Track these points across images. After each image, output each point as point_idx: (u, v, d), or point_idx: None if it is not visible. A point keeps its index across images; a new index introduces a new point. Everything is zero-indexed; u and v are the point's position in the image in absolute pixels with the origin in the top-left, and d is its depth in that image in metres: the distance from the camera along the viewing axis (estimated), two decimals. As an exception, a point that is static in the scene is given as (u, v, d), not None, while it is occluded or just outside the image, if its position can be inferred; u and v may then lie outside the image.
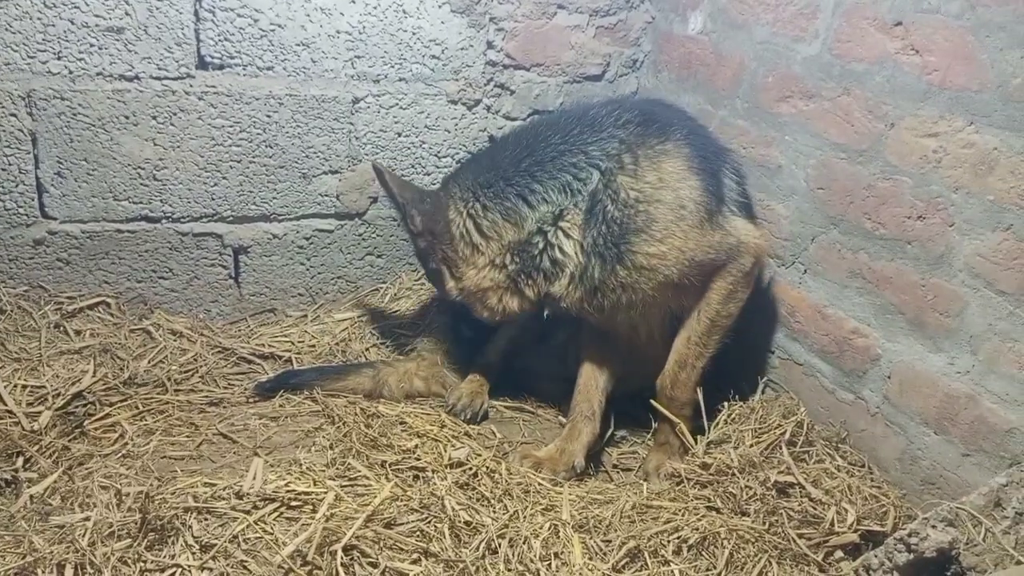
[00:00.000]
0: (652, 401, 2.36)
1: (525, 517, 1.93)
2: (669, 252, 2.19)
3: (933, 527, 1.71)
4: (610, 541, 1.88)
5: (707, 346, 2.30)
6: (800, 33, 2.38)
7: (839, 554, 1.92)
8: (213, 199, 2.71)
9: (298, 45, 2.64)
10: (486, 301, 2.40)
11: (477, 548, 1.78)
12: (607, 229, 2.20)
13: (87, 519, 1.74)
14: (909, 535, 1.72)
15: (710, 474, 2.13)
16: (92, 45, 2.44)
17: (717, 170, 2.30)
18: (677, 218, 2.19)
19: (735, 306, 2.29)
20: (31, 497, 1.90)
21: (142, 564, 1.65)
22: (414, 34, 2.76)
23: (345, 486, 1.93)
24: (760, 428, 2.27)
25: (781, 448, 2.18)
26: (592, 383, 2.42)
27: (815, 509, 1.98)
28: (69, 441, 2.14)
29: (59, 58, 2.42)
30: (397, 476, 2.04)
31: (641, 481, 2.26)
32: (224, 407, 2.42)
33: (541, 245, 2.28)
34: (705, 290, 2.27)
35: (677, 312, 2.34)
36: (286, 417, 2.38)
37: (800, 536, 1.92)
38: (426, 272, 2.65)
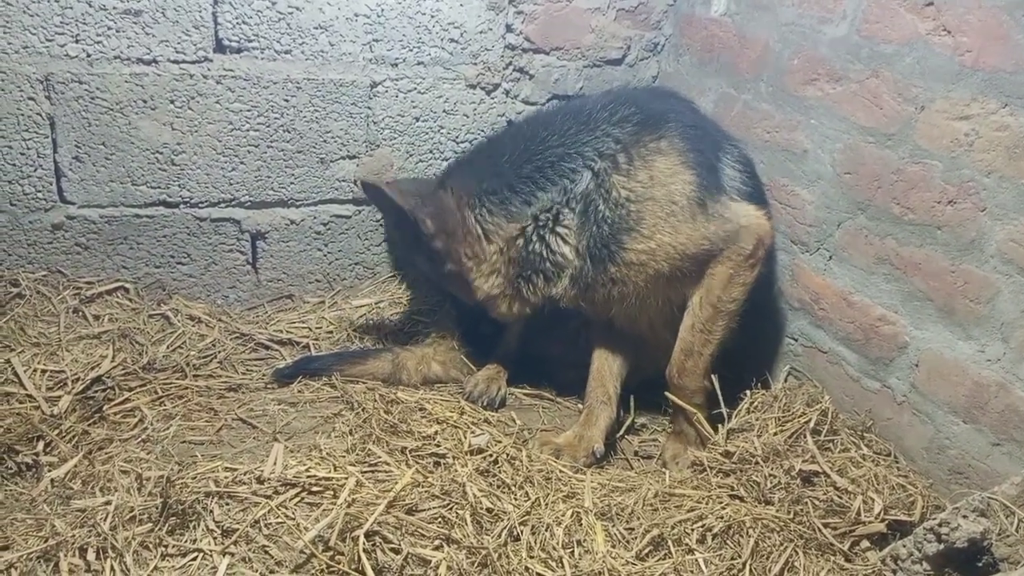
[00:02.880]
0: (668, 393, 2.33)
1: (547, 504, 1.91)
2: (658, 248, 2.20)
3: (964, 517, 1.68)
4: (633, 529, 1.86)
5: (712, 332, 2.27)
6: (827, 14, 2.33)
7: (865, 544, 1.89)
8: (231, 184, 2.70)
9: (316, 28, 2.61)
10: (498, 305, 2.43)
11: (499, 535, 1.76)
12: (598, 230, 2.23)
13: (108, 503, 1.74)
14: (940, 525, 1.69)
15: (733, 462, 2.10)
16: (110, 28, 2.42)
17: (715, 161, 2.28)
18: (667, 214, 2.19)
19: (739, 291, 2.25)
20: (52, 481, 1.90)
21: (163, 548, 1.65)
22: (432, 17, 2.73)
23: (366, 472, 1.92)
24: (784, 416, 2.24)
25: (805, 437, 2.15)
26: (606, 368, 2.41)
27: (841, 498, 1.95)
28: (89, 426, 2.14)
29: (77, 41, 2.40)
30: (418, 462, 2.02)
31: (663, 469, 2.24)
32: (243, 392, 2.41)
33: (539, 249, 2.31)
34: (704, 277, 2.25)
35: (678, 301, 2.32)
36: (305, 403, 2.37)
37: (826, 525, 1.90)
38: (442, 281, 2.58)
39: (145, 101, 2.52)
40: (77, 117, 2.48)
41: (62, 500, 1.82)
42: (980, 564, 1.66)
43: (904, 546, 1.76)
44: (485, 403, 2.46)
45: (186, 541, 1.66)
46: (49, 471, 1.93)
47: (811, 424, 2.19)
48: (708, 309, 2.25)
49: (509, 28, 2.85)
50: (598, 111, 2.31)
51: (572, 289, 2.32)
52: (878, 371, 2.26)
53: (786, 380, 2.50)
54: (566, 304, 2.37)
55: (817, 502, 1.95)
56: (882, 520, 1.90)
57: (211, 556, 1.63)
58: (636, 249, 2.20)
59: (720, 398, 2.27)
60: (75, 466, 1.94)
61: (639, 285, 2.25)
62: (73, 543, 1.62)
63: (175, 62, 2.51)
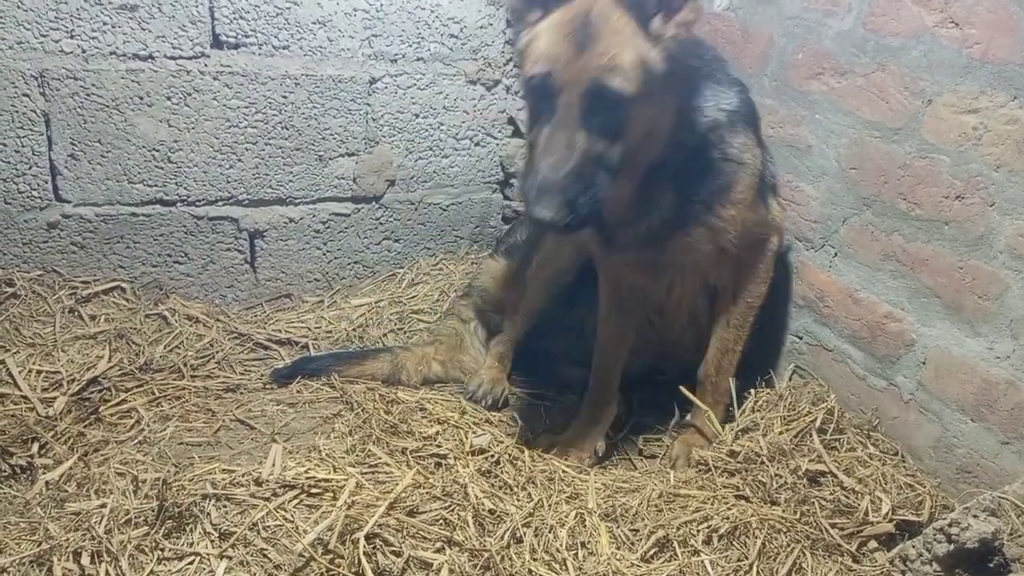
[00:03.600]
0: (683, 388, 2.29)
1: (550, 505, 1.88)
2: (736, 216, 2.11)
3: (975, 517, 1.65)
4: (638, 530, 1.83)
5: (744, 328, 2.26)
6: (832, 7, 2.30)
7: (873, 544, 1.86)
8: (228, 182, 2.67)
9: (314, 23, 2.58)
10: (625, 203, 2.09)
11: (502, 537, 1.73)
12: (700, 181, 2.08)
13: (103, 506, 1.71)
14: (950, 525, 1.66)
15: (738, 462, 2.07)
16: (105, 23, 2.39)
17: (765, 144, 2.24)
18: (748, 186, 2.12)
19: (766, 286, 2.25)
20: (47, 483, 1.87)
21: (160, 552, 1.62)
22: (432, 12, 2.70)
23: (366, 473, 1.89)
24: (789, 415, 2.21)
25: (811, 436, 2.12)
26: (609, 364, 2.36)
27: (848, 498, 1.92)
28: (84, 427, 2.12)
29: (72, 37, 2.38)
30: (419, 463, 1.99)
31: (667, 469, 2.20)
32: (241, 393, 2.38)
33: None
34: (744, 268, 2.22)
35: (708, 295, 2.29)
36: (304, 403, 2.35)
37: (833, 526, 1.87)
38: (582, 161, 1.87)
39: (141, 98, 2.49)
40: (72, 114, 2.45)
41: (56, 503, 1.79)
42: (991, 565, 1.63)
43: (913, 547, 1.73)
44: (489, 403, 2.43)
45: (183, 544, 1.63)
46: (44, 473, 1.90)
47: (817, 423, 2.16)
48: (744, 304, 2.24)
49: (510, 23, 2.82)
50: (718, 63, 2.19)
51: (663, 228, 2.10)
52: (884, 369, 2.23)
53: (791, 379, 2.46)
54: (646, 238, 2.12)
55: (824, 502, 1.92)
56: (890, 520, 1.87)
57: (208, 559, 1.60)
58: (720, 215, 2.10)
59: (734, 398, 2.25)
60: (70, 468, 1.92)
61: (705, 253, 2.14)
62: (67, 547, 1.59)
63: (172, 58, 2.48)
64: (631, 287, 2.31)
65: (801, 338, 2.51)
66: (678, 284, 2.30)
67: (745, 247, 2.19)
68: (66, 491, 1.83)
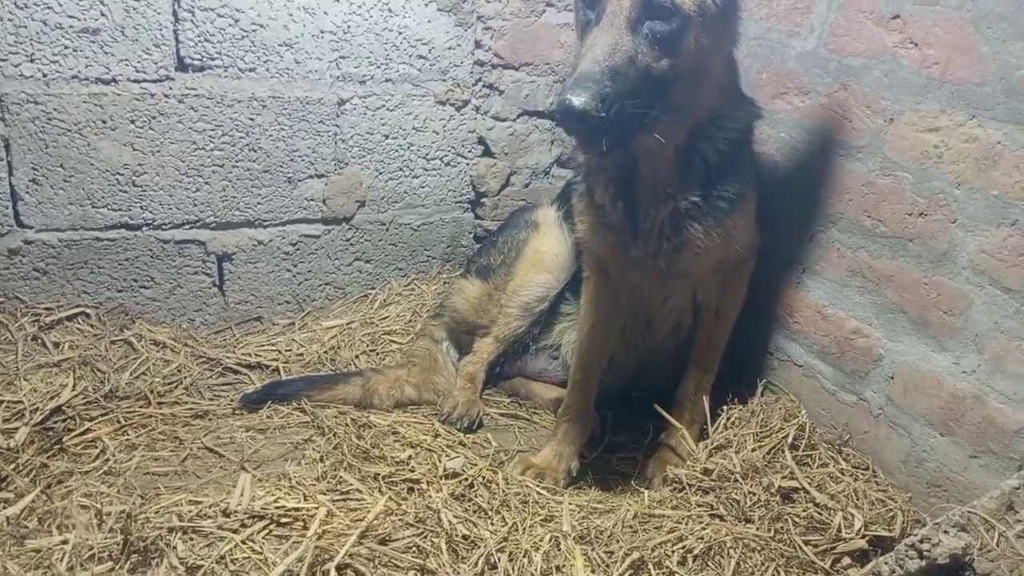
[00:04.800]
0: (659, 408, 2.29)
1: (524, 529, 1.86)
2: (746, 227, 2.13)
3: (945, 532, 1.66)
4: (612, 552, 1.82)
5: (721, 347, 2.29)
6: (795, 28, 2.34)
7: (847, 561, 1.87)
8: (195, 205, 2.63)
9: (281, 45, 2.56)
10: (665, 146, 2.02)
11: (476, 563, 1.71)
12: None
13: (65, 542, 1.66)
14: (921, 541, 1.67)
15: (712, 480, 2.07)
16: (67, 47, 2.35)
17: None
18: (754, 199, 2.15)
19: (741, 304, 2.29)
20: (7, 519, 1.81)
21: (124, 588, 1.58)
22: (400, 33, 2.70)
23: (337, 501, 1.86)
24: (761, 432, 2.22)
25: (784, 452, 2.13)
26: (586, 377, 2.34)
27: (821, 515, 1.93)
28: (47, 458, 2.06)
29: (32, 61, 2.34)
30: (391, 489, 1.97)
31: (641, 488, 2.20)
32: (209, 420, 2.34)
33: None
34: (728, 285, 2.25)
35: (691, 312, 2.31)
36: (274, 429, 2.31)
37: (807, 543, 1.87)
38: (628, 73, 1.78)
39: (104, 121, 2.45)
40: (34, 139, 2.40)
41: (16, 540, 1.73)
42: (962, 580, 1.64)
43: (886, 563, 1.74)
44: (464, 425, 2.41)
45: (148, 580, 1.59)
46: (4, 508, 1.84)
47: (789, 439, 2.17)
48: (724, 321, 2.26)
49: (478, 44, 2.83)
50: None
51: (683, 212, 2.05)
52: (854, 384, 2.25)
53: (762, 394, 2.48)
54: (675, 228, 2.06)
55: (797, 519, 1.92)
56: (863, 536, 1.88)
57: (175, 595, 1.57)
58: (737, 222, 2.09)
59: (708, 416, 2.25)
60: (32, 502, 1.85)
61: (705, 266, 2.13)
62: (27, 586, 1.54)
63: (135, 81, 2.45)
64: (632, 294, 2.28)
65: (772, 354, 2.52)
66: (674, 294, 2.28)
67: (735, 263, 2.21)
68: (26, 527, 1.78)
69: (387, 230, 2.94)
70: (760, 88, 2.46)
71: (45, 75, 2.36)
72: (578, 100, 1.65)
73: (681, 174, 2.03)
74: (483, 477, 2.05)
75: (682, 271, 2.15)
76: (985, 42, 1.86)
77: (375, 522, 1.77)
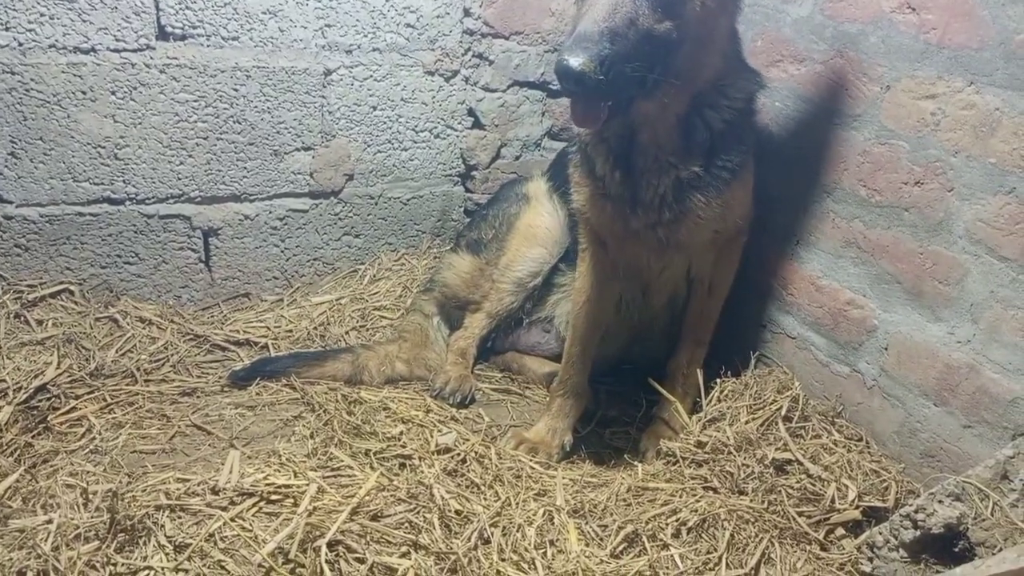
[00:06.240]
0: (653, 382, 2.27)
1: (518, 504, 1.85)
2: (744, 199, 2.11)
3: (940, 502, 1.66)
4: (606, 526, 1.81)
5: (714, 320, 2.27)
6: (790, -6, 2.29)
7: (841, 532, 1.87)
8: (179, 179, 2.58)
9: (264, 13, 2.50)
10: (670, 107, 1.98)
11: (469, 538, 1.69)
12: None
13: (50, 522, 1.63)
14: (916, 511, 1.67)
15: (705, 452, 2.06)
16: (43, 15, 2.28)
17: None
18: (752, 171, 2.12)
19: (733, 278, 2.27)
20: (-9, 499, 1.78)
21: (112, 568, 1.55)
22: (387, 1, 2.63)
23: (328, 477, 1.84)
24: (755, 404, 2.21)
25: (777, 424, 2.12)
26: (582, 351, 2.31)
27: (814, 486, 1.93)
28: (32, 437, 2.03)
29: (7, 29, 2.27)
30: (382, 465, 1.95)
31: (634, 462, 2.19)
32: (197, 397, 2.31)
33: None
34: (722, 258, 2.23)
35: (685, 285, 2.28)
36: (263, 406, 2.28)
37: (800, 514, 1.87)
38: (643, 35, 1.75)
39: (84, 92, 2.39)
40: (11, 110, 2.34)
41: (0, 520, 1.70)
42: (957, 549, 1.64)
43: (880, 533, 1.74)
44: (456, 400, 2.39)
45: (136, 559, 1.57)
46: (-13, 489, 1.81)
47: (783, 411, 2.16)
48: (717, 294, 2.25)
49: (467, 12, 2.77)
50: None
51: (684, 181, 2.02)
52: (847, 355, 2.24)
53: (756, 367, 2.46)
54: (678, 194, 2.03)
55: (791, 491, 1.91)
56: (856, 507, 1.87)
57: (163, 574, 1.54)
58: (736, 194, 2.07)
59: (701, 389, 2.24)
60: (16, 482, 1.83)
61: (704, 237, 2.11)
62: (10, 567, 1.51)
63: (115, 51, 2.39)
64: (628, 266, 2.25)
65: (765, 326, 2.51)
66: (672, 265, 2.25)
67: (731, 234, 2.19)
68: (10, 507, 1.75)
69: (376, 204, 2.89)
70: (755, 56, 2.42)
71: (21, 44, 2.29)
72: (575, 61, 1.60)
73: (683, 143, 1.99)
74: (476, 452, 2.03)
75: (681, 242, 2.12)
76: (984, 6, 1.82)
77: (366, 498, 1.75)
